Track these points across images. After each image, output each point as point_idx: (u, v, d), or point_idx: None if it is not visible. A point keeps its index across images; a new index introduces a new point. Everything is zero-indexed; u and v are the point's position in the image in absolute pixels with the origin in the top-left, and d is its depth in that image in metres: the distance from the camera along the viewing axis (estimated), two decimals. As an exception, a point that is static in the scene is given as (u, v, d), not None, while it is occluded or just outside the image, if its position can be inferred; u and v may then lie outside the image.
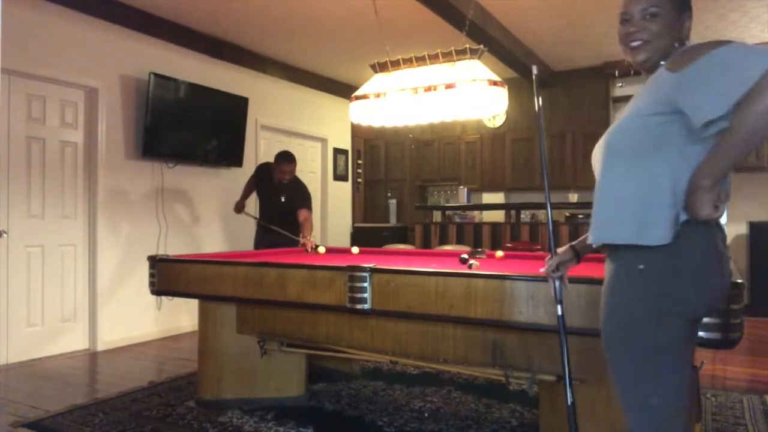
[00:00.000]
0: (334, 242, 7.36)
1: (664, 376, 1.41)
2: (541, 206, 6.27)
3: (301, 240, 4.36)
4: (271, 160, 4.86)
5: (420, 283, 2.37)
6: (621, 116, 1.57)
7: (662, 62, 1.52)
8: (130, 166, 5.01)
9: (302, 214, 4.64)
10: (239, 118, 5.92)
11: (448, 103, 3.54)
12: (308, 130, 7.16)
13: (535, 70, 1.82)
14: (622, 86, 6.66)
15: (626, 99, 6.73)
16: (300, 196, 4.78)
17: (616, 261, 1.50)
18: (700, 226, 1.39)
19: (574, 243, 1.82)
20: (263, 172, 4.97)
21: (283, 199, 4.73)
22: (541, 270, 1.82)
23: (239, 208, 5.04)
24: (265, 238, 4.80)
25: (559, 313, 1.77)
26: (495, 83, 3.45)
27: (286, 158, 4.70)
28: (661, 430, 1.43)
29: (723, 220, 1.49)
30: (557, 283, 1.78)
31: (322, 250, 4.12)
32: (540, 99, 1.83)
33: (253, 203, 5.35)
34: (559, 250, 1.81)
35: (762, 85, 1.26)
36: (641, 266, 1.41)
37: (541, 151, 1.87)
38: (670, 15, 1.50)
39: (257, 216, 5.10)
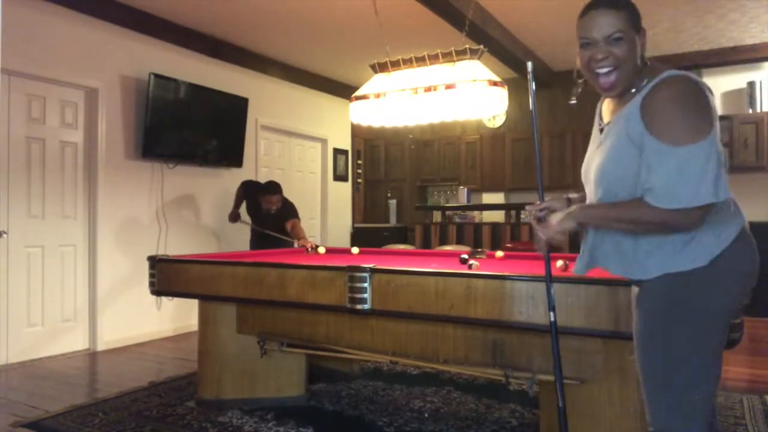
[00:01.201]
0: (334, 242, 7.36)
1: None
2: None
3: (298, 243, 4.41)
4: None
5: (420, 283, 2.36)
6: (607, 141, 1.58)
7: (633, 89, 1.54)
8: (130, 167, 5.01)
9: (288, 224, 4.78)
10: (239, 118, 5.92)
11: (448, 103, 3.54)
12: (308, 130, 7.16)
13: (530, 66, 1.78)
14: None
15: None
16: (287, 212, 4.89)
17: (651, 291, 1.54)
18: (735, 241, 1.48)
19: (570, 196, 1.81)
20: (249, 192, 5.08)
21: (272, 223, 4.84)
22: (527, 207, 1.72)
23: (234, 217, 5.13)
24: (259, 245, 4.84)
25: (552, 319, 1.76)
26: (495, 83, 3.45)
27: (270, 190, 4.80)
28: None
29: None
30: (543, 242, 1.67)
31: (322, 250, 4.13)
32: (534, 95, 1.78)
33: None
34: (552, 196, 1.76)
35: (658, 213, 1.41)
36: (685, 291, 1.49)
37: (536, 141, 1.80)
38: (631, 37, 1.50)
39: (252, 225, 5.13)
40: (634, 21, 1.51)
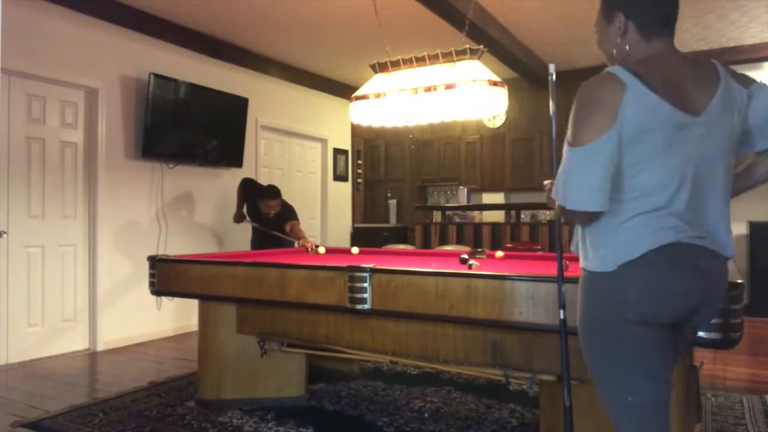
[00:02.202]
0: (334, 242, 7.36)
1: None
2: (541, 206, 6.28)
3: (298, 243, 4.43)
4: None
5: (420, 283, 2.37)
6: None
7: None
8: (130, 167, 5.01)
9: (288, 225, 4.81)
10: (239, 118, 5.92)
11: (448, 103, 3.54)
12: (308, 130, 7.16)
13: (551, 68, 1.82)
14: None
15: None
16: (286, 214, 4.92)
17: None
18: None
19: None
20: (249, 194, 5.09)
21: (271, 225, 4.87)
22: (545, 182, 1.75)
23: (239, 218, 5.10)
24: (260, 245, 4.84)
25: (562, 317, 1.76)
26: (495, 83, 3.45)
27: (270, 194, 4.85)
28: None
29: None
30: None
31: (322, 250, 4.13)
32: (554, 98, 1.87)
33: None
34: None
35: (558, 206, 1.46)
36: None
37: (553, 150, 1.85)
38: (602, 26, 1.57)
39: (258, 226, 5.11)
40: (603, 13, 1.56)
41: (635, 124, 1.34)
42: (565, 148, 1.42)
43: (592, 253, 1.46)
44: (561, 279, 1.77)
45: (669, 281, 1.38)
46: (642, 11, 1.46)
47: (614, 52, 1.54)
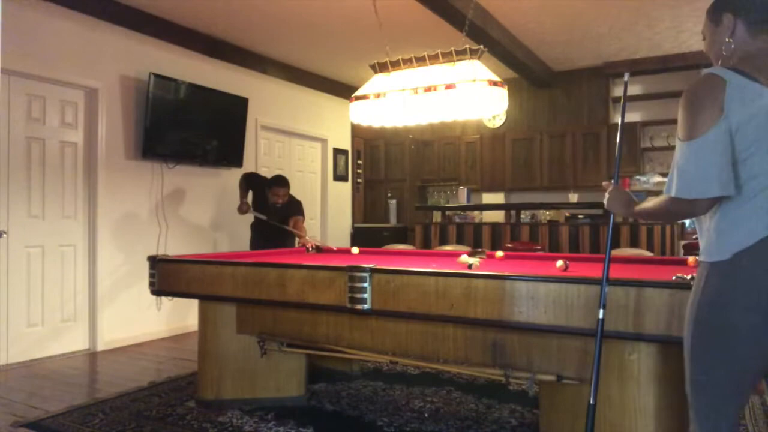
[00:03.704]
0: (334, 242, 7.35)
1: None
2: (541, 206, 6.28)
3: (298, 242, 4.46)
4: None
5: (420, 283, 2.37)
6: None
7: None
8: (130, 167, 5.01)
9: (291, 220, 4.85)
10: (239, 118, 5.92)
11: (448, 103, 3.54)
12: (308, 130, 7.16)
13: (626, 77, 2.07)
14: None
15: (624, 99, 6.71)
16: (293, 209, 4.95)
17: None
18: None
19: None
20: (255, 183, 5.08)
21: (276, 217, 4.88)
22: (604, 184, 1.91)
23: (245, 208, 5.02)
24: (260, 245, 4.82)
25: (600, 316, 1.84)
26: (495, 83, 3.45)
27: (279, 183, 4.89)
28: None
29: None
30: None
31: (347, 248, 4.17)
32: (625, 104, 2.05)
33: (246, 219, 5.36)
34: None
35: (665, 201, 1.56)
36: None
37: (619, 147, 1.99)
38: (710, 32, 1.66)
39: (261, 216, 5.08)
40: (710, 18, 1.65)
41: (742, 113, 1.42)
42: (678, 146, 1.50)
43: (711, 245, 1.51)
44: (606, 279, 1.87)
45: None
46: (750, 10, 1.57)
47: (723, 50, 1.60)
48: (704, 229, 1.57)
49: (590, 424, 1.80)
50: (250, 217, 5.16)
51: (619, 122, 2.03)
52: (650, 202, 1.65)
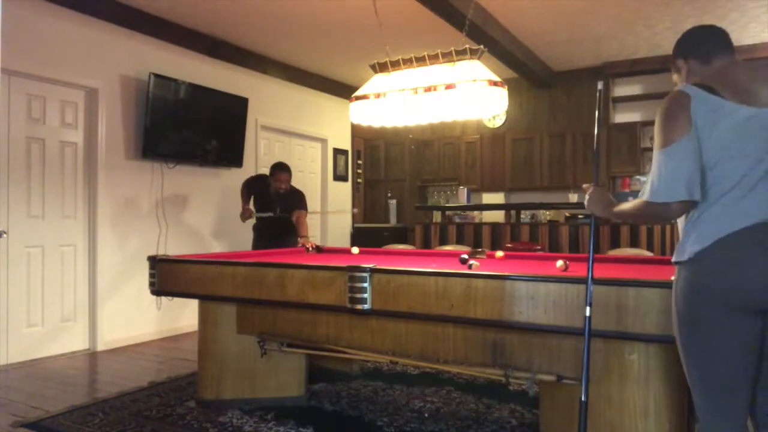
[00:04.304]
0: (334, 242, 7.36)
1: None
2: (541, 206, 6.28)
3: (300, 242, 4.45)
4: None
5: (420, 283, 2.37)
6: None
7: None
8: (130, 167, 5.01)
9: (295, 213, 4.85)
10: (239, 118, 5.92)
11: (448, 103, 3.54)
12: (308, 130, 7.16)
13: (600, 85, 2.20)
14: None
15: (623, 99, 6.73)
16: (296, 200, 4.98)
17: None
18: None
19: None
20: (259, 184, 5.10)
21: (279, 210, 4.90)
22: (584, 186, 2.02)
23: (247, 214, 4.96)
24: (263, 245, 4.77)
25: (587, 314, 1.88)
26: (495, 83, 3.45)
27: (281, 167, 4.92)
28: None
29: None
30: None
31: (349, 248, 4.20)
32: (600, 111, 2.18)
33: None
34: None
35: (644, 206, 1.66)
36: None
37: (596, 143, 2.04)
38: (677, 66, 1.88)
39: (262, 217, 5.03)
40: (672, 69, 1.91)
41: (706, 124, 1.57)
42: (654, 156, 1.64)
43: (679, 246, 1.65)
44: (590, 279, 1.91)
45: (742, 261, 1.52)
46: (695, 48, 1.80)
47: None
48: (681, 233, 1.69)
49: (583, 421, 1.82)
50: (251, 219, 5.16)
51: (595, 131, 2.17)
52: (628, 205, 1.74)
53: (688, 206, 1.60)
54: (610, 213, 1.85)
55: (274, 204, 4.92)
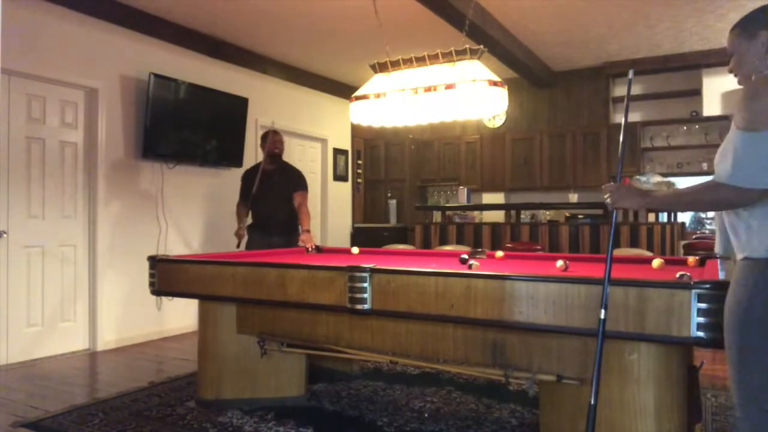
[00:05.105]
0: (334, 242, 7.36)
1: None
2: (540, 206, 6.28)
3: (301, 239, 4.31)
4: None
5: (420, 283, 2.36)
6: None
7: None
8: (130, 167, 5.01)
9: (297, 197, 4.59)
10: (239, 118, 5.92)
11: (448, 103, 3.54)
12: (308, 130, 7.16)
13: (630, 74, 2.02)
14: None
15: (623, 99, 6.71)
16: (293, 179, 4.69)
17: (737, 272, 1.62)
18: None
19: None
20: (248, 175, 4.83)
21: (276, 192, 4.56)
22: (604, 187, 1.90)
23: (242, 233, 4.69)
24: (259, 244, 4.55)
25: (602, 317, 1.85)
26: (495, 83, 3.45)
27: (272, 133, 4.72)
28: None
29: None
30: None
31: (355, 250, 4.03)
32: (628, 104, 2.01)
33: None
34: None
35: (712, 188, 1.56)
36: None
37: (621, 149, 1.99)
38: (742, 48, 1.67)
39: (249, 221, 4.78)
40: (743, 32, 1.67)
41: None
42: (737, 135, 1.50)
43: (758, 240, 1.51)
44: (608, 279, 1.87)
45: None
46: None
47: (758, 67, 1.62)
48: (739, 226, 1.57)
49: (591, 424, 1.81)
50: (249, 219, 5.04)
51: (623, 122, 2.03)
52: (682, 189, 1.68)
53: (763, 196, 1.49)
54: (650, 201, 1.78)
55: (269, 192, 4.58)
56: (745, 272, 1.54)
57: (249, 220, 4.85)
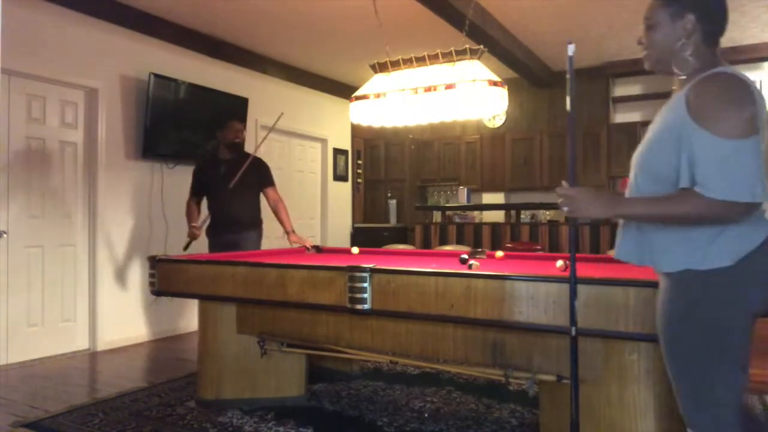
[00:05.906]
0: (334, 242, 7.36)
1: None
2: (540, 206, 6.28)
3: (291, 240, 4.14)
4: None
5: (420, 283, 2.36)
6: (651, 129, 1.58)
7: (682, 75, 1.54)
8: (130, 166, 5.01)
9: (270, 194, 4.25)
10: (239, 118, 5.90)
11: (448, 103, 3.54)
12: (308, 130, 7.16)
13: (570, 50, 1.85)
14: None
15: (623, 99, 6.73)
16: (263, 173, 4.30)
17: (672, 286, 1.52)
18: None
19: None
20: (203, 168, 4.41)
21: (244, 181, 4.11)
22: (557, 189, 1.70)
23: (197, 232, 4.34)
24: (217, 240, 4.31)
25: (573, 333, 1.80)
26: (495, 83, 3.45)
27: (231, 119, 4.34)
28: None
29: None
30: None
31: (355, 250, 3.87)
32: (573, 83, 1.86)
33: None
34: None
35: (706, 204, 1.37)
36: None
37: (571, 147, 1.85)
38: (665, 24, 1.55)
39: (207, 222, 4.41)
40: (669, 7, 1.53)
41: (763, 126, 1.40)
42: (717, 143, 1.37)
43: (702, 251, 1.43)
44: (574, 280, 1.78)
45: None
46: (711, 20, 1.50)
47: (679, 48, 1.53)
48: (692, 232, 1.46)
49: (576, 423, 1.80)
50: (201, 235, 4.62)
51: (567, 103, 1.86)
52: (659, 199, 1.46)
53: (751, 210, 1.37)
54: (620, 212, 1.54)
55: (227, 178, 4.10)
56: (689, 282, 1.45)
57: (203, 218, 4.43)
